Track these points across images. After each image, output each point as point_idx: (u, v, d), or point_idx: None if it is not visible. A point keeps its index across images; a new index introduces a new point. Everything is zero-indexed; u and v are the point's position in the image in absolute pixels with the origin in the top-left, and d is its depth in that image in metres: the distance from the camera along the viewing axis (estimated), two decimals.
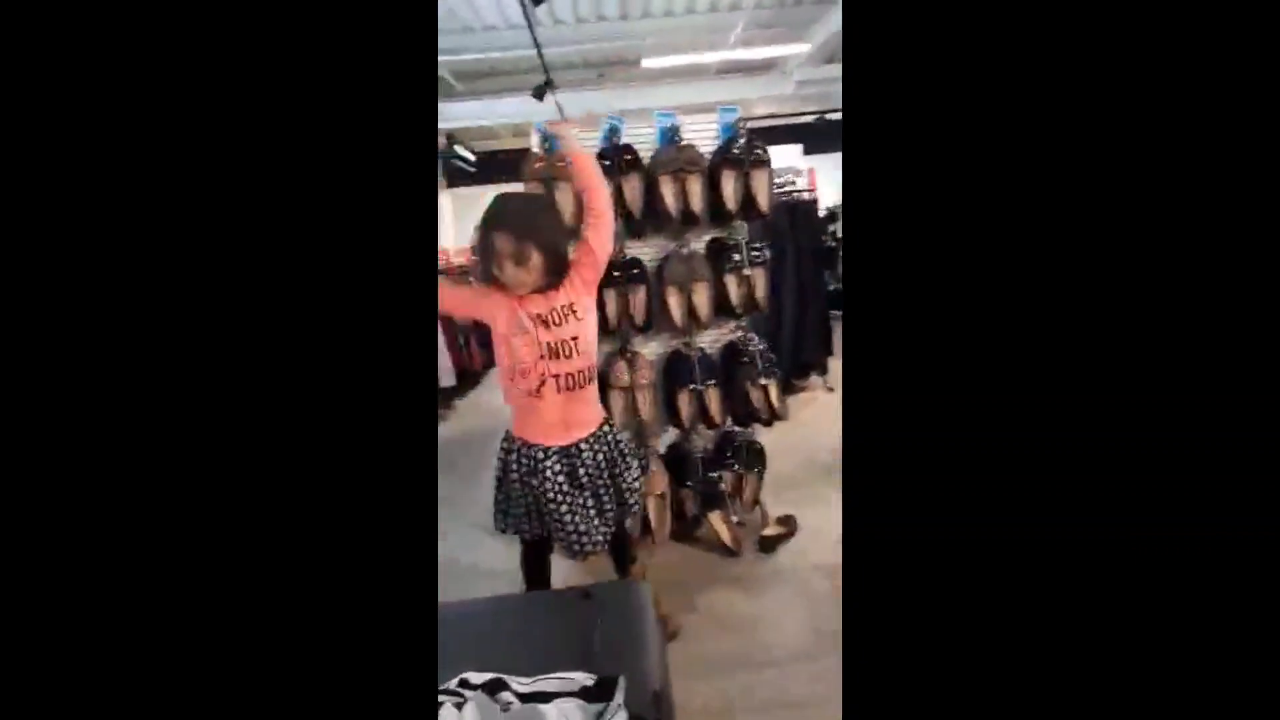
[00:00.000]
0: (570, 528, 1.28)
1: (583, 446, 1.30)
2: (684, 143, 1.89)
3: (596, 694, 0.80)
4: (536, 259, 1.21)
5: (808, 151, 6.80)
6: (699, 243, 2.03)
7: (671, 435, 2.13)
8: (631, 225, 1.93)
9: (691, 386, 1.98)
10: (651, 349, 2.09)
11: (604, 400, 1.99)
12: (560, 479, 1.27)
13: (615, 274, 1.93)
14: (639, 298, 1.96)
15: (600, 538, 1.31)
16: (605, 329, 1.96)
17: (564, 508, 1.27)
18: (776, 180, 4.23)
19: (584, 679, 0.83)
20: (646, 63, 5.39)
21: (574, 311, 1.26)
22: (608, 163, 1.85)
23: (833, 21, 5.18)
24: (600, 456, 1.32)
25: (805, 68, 6.13)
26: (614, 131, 1.87)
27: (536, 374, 1.24)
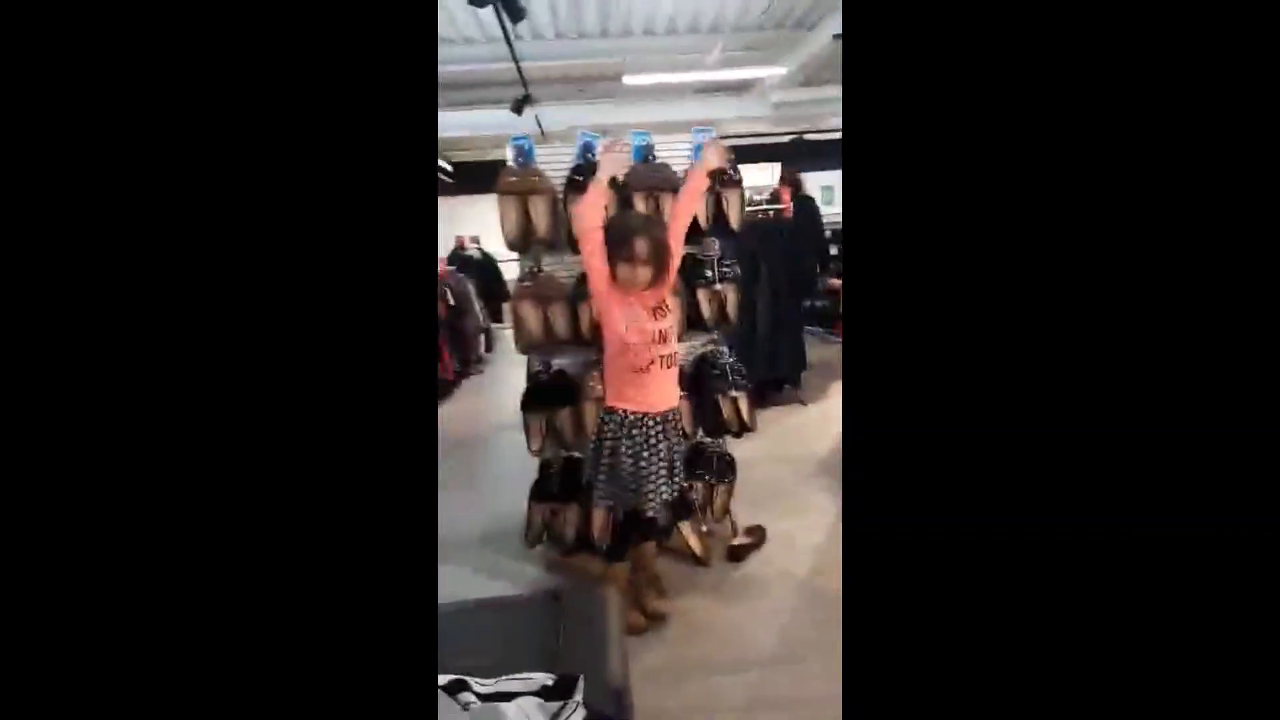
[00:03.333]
0: (652, 484, 1.56)
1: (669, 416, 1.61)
2: (658, 161, 1.94)
3: (556, 693, 0.82)
4: (652, 264, 1.53)
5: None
6: None
7: None
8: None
9: None
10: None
11: (578, 412, 2.02)
12: (658, 440, 1.57)
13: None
14: None
15: (667, 497, 1.61)
16: (580, 342, 2.00)
17: (653, 466, 1.56)
18: (756, 198, 4.32)
19: (544, 679, 0.85)
20: (628, 79, 5.48)
21: (668, 307, 1.60)
22: (580, 178, 1.89)
23: (809, 46, 5.33)
24: (673, 427, 1.62)
25: (782, 90, 6.28)
26: (588, 148, 1.92)
27: (648, 355, 1.55)
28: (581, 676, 0.84)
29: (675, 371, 1.62)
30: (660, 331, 1.56)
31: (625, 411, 1.57)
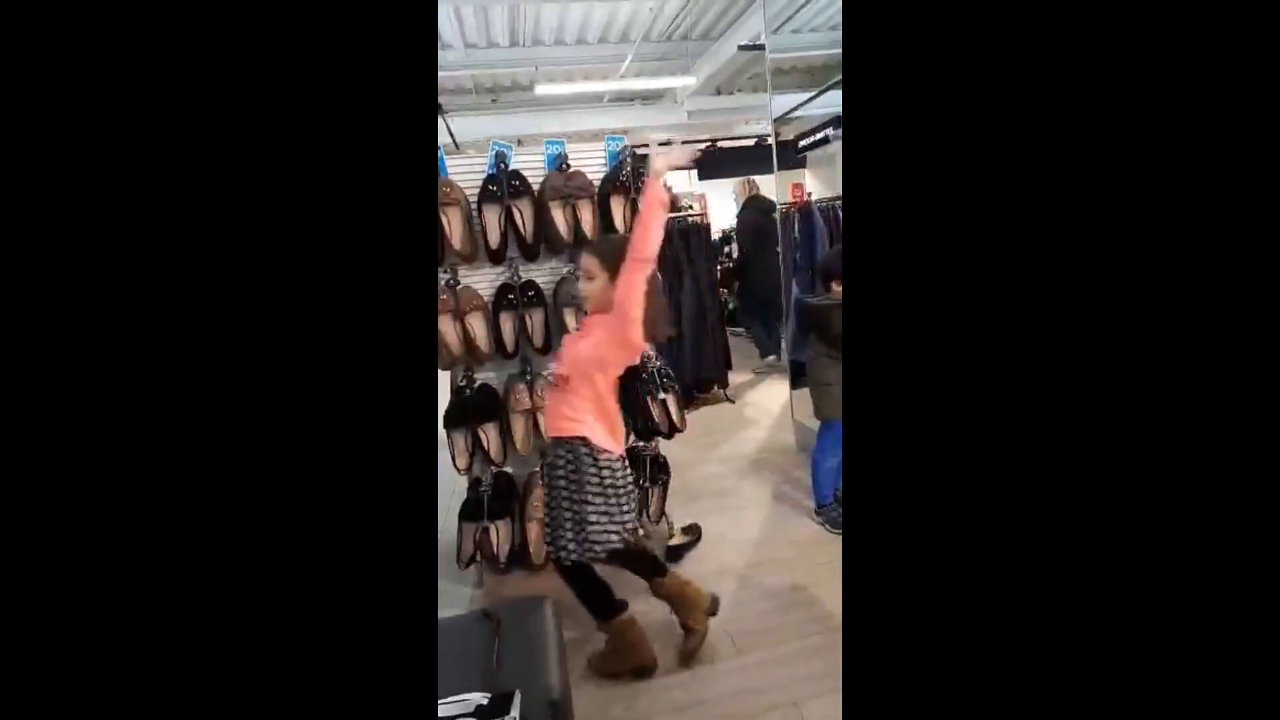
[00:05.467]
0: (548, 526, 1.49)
1: (558, 449, 1.47)
2: (572, 169, 1.95)
3: (491, 711, 0.80)
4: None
5: (701, 178, 7.12)
6: None
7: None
8: (525, 249, 1.95)
9: None
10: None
11: (505, 423, 1.99)
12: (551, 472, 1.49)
13: (510, 297, 1.95)
14: (537, 320, 1.98)
15: (558, 547, 1.46)
16: (504, 353, 1.96)
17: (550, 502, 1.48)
18: (683, 204, 4.40)
19: (479, 698, 0.83)
20: (540, 89, 5.47)
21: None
22: (494, 188, 1.87)
23: (718, 56, 5.51)
24: (565, 464, 1.45)
25: (696, 98, 6.45)
26: (501, 157, 1.90)
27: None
28: (517, 691, 0.83)
29: (564, 397, 1.44)
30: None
31: None
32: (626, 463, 1.51)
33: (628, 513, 1.48)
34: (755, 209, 4.13)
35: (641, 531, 2.09)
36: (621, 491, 1.46)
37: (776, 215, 4.13)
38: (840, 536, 2.10)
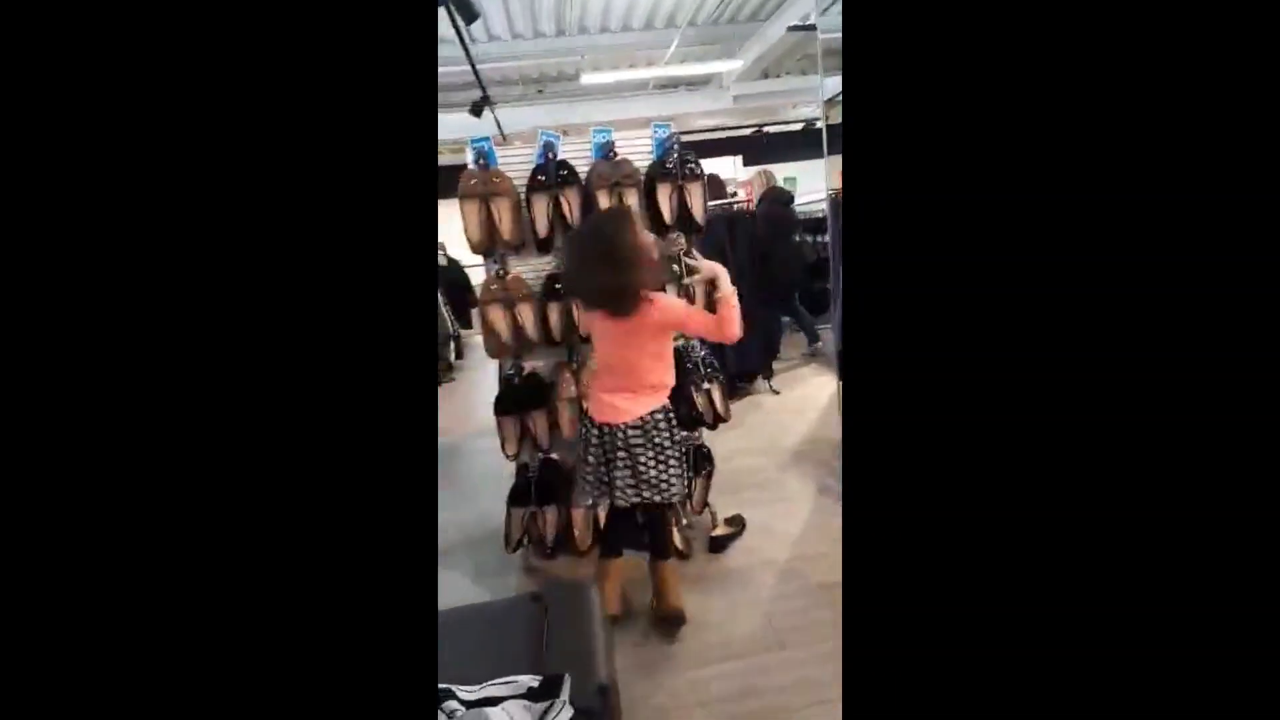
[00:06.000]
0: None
1: None
2: (619, 157, 1.94)
3: (542, 693, 0.82)
4: None
5: (747, 163, 7.00)
6: None
7: None
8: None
9: None
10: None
11: (552, 411, 2.02)
12: None
13: (557, 286, 1.96)
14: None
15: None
16: (550, 341, 1.99)
17: None
18: (728, 191, 4.34)
19: (529, 680, 0.85)
20: (586, 78, 5.46)
21: None
22: (543, 178, 1.88)
23: (766, 39, 5.38)
24: None
25: (741, 82, 6.33)
26: (549, 147, 1.91)
27: None
28: (567, 675, 0.84)
29: None
30: None
31: None
32: (588, 439, 1.65)
33: (590, 488, 1.67)
34: (772, 200, 4.03)
35: (685, 521, 2.10)
36: (581, 460, 1.68)
37: (795, 207, 4.02)
38: None
